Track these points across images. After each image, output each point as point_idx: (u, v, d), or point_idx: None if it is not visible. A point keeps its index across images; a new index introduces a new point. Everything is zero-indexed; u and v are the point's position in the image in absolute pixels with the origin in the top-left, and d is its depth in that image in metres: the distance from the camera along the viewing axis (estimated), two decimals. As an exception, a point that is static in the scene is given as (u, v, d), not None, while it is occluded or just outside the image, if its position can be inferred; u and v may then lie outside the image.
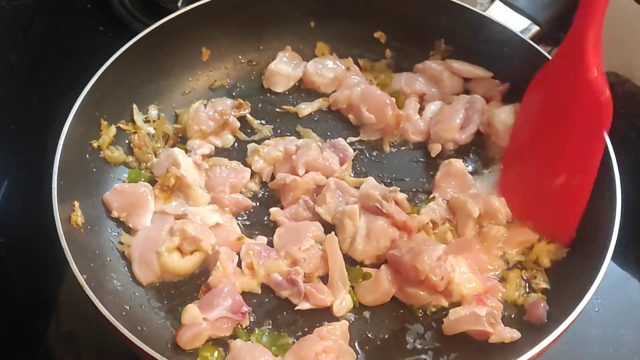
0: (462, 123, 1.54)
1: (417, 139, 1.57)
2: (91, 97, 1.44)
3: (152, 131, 1.56)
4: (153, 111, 1.58)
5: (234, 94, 1.66)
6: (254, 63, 1.70)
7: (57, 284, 1.45)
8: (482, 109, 1.56)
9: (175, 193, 1.45)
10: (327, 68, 1.66)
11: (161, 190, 1.44)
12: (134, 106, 1.55)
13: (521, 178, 1.43)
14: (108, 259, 1.38)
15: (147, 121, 1.57)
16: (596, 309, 1.43)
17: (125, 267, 1.38)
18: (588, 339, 1.40)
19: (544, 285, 1.35)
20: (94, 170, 1.46)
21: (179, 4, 1.81)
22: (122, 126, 1.53)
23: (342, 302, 1.33)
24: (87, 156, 1.46)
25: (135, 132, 1.54)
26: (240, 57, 1.69)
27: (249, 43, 1.69)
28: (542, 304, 1.29)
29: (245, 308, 1.30)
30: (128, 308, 1.32)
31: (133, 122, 1.55)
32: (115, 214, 1.42)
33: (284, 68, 1.66)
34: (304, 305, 1.32)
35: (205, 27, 1.62)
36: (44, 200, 1.30)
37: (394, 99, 1.58)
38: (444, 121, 1.54)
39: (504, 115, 1.51)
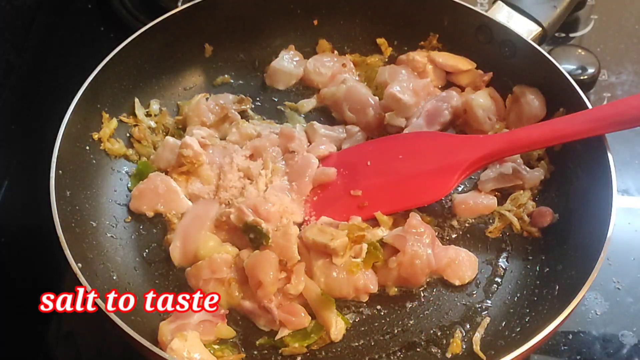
0: (429, 118, 1.53)
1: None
2: (93, 89, 1.44)
3: (153, 125, 1.56)
4: (155, 105, 1.59)
5: (235, 90, 1.66)
6: (256, 60, 1.70)
7: (57, 284, 1.45)
8: (455, 105, 1.55)
9: (192, 175, 1.46)
10: (325, 66, 1.67)
11: (179, 174, 1.45)
12: (136, 100, 1.56)
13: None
14: (105, 249, 1.38)
15: (148, 115, 1.57)
16: (596, 311, 1.42)
17: (121, 258, 1.38)
18: (588, 340, 1.39)
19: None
20: (94, 162, 1.47)
21: (179, 3, 1.81)
22: (124, 119, 1.54)
23: (337, 326, 1.29)
24: (87, 148, 1.46)
25: (136, 125, 1.54)
26: (242, 54, 1.70)
27: (252, 40, 1.70)
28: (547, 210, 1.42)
29: (223, 310, 1.30)
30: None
31: (134, 115, 1.55)
32: (151, 213, 1.43)
33: (286, 66, 1.66)
34: (284, 332, 1.29)
35: (208, 24, 1.63)
36: (44, 199, 1.29)
37: (377, 98, 1.57)
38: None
39: (482, 100, 1.53)
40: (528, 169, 1.47)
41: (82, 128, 1.44)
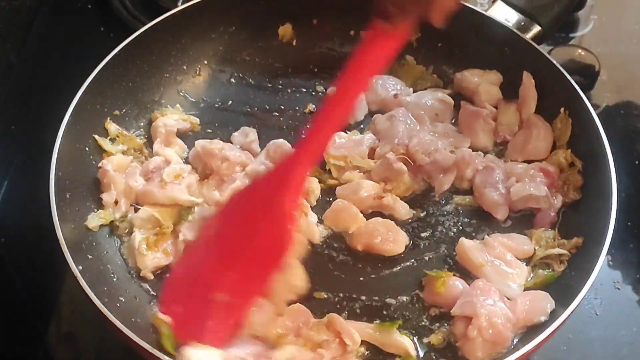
0: None
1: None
2: (93, 89, 1.44)
3: (125, 148, 1.49)
4: (111, 126, 1.49)
5: (236, 88, 1.66)
6: (256, 59, 1.70)
7: (57, 284, 1.45)
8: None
9: None
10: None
11: None
12: (96, 137, 1.46)
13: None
14: (105, 251, 1.37)
15: (116, 137, 1.49)
16: (596, 311, 1.43)
17: (122, 261, 1.38)
18: (588, 340, 1.39)
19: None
20: (94, 162, 1.46)
21: (179, 3, 1.82)
22: (101, 143, 1.46)
23: None
24: (87, 148, 1.46)
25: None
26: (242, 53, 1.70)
27: (252, 40, 1.69)
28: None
29: None
30: (123, 300, 1.31)
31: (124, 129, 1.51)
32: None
33: None
34: None
35: (208, 23, 1.63)
36: (44, 199, 1.29)
37: None
38: None
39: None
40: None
41: (82, 128, 1.44)
